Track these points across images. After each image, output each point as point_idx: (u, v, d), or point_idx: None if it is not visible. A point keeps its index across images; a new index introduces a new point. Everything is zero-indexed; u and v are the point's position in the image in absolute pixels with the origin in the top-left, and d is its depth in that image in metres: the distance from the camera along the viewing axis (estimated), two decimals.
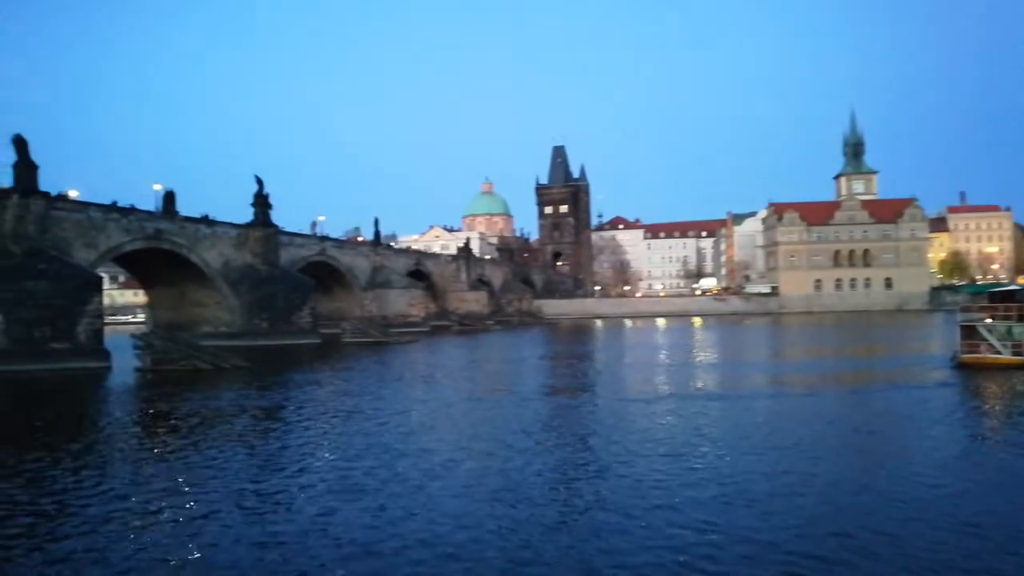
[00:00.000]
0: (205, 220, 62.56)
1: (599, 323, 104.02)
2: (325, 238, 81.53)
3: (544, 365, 45.34)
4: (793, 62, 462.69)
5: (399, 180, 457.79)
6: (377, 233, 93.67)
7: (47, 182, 47.52)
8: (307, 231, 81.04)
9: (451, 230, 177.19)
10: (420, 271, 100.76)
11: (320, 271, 78.62)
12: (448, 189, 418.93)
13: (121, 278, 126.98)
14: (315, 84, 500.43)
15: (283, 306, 65.21)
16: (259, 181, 68.20)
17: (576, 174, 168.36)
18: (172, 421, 23.64)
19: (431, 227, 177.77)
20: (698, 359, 44.85)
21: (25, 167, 45.74)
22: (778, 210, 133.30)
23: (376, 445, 18.92)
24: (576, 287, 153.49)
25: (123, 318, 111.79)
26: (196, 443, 19.69)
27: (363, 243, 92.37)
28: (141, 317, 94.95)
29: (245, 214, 67.56)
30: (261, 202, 67.74)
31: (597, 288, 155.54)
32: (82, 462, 17.48)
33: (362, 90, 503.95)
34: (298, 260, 73.35)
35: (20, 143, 45.83)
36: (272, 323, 64.16)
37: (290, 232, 73.20)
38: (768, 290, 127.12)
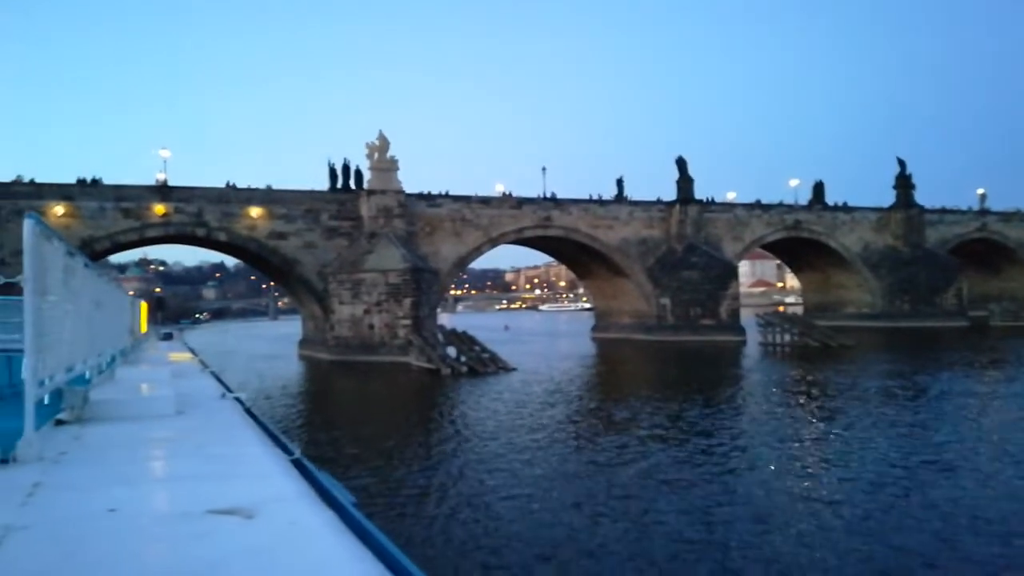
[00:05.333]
0: (843, 207, 66.03)
1: None
2: (986, 212, 73.82)
3: None
4: None
5: None
6: None
7: (704, 190, 59.53)
8: (969, 207, 74.90)
9: None
10: None
11: (984, 248, 72.21)
12: None
13: None
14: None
15: (925, 287, 63.53)
16: (901, 163, 67.64)
17: None
18: (810, 384, 28.81)
19: None
20: None
21: (684, 181, 58.54)
22: None
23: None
24: None
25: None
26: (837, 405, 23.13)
27: None
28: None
29: (887, 197, 68.27)
30: (903, 183, 67.08)
31: None
32: (762, 404, 24.12)
33: None
34: (950, 239, 69.28)
35: (681, 163, 58.86)
36: (913, 305, 63.36)
37: (938, 210, 69.70)
38: None
